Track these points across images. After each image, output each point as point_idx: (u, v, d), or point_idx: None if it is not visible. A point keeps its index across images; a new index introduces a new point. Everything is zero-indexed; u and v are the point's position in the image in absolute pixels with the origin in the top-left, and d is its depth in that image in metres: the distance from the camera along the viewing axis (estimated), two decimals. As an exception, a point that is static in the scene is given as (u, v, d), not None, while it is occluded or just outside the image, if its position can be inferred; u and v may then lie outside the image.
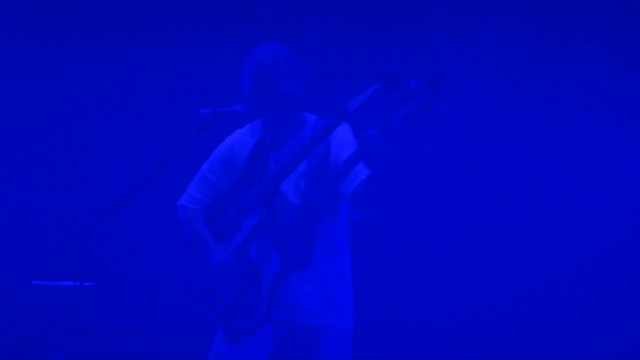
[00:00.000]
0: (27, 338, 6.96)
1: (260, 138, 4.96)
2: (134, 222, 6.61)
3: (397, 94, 4.58)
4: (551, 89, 6.99)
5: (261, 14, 7.17)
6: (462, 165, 7.02)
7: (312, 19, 7.13)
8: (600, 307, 6.89)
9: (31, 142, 7.25)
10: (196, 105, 4.81)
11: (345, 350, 4.93)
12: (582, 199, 6.94)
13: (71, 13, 7.22)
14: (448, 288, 7.03)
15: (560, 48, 6.97)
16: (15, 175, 7.24)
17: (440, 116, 6.66)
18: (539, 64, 7.00)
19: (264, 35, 5.13)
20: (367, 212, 4.75)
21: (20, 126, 7.26)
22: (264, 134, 4.97)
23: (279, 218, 4.79)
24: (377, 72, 4.63)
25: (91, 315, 6.96)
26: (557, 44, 6.97)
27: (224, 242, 4.92)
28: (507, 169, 7.00)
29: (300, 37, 6.74)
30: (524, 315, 6.95)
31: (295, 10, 7.15)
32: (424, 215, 7.04)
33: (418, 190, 7.02)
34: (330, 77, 6.85)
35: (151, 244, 6.80)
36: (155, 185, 4.64)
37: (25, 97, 7.25)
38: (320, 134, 4.73)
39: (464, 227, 7.02)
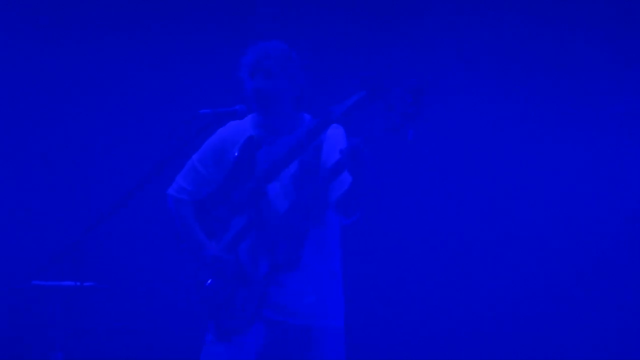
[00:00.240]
0: (27, 338, 6.96)
1: (249, 137, 4.95)
2: (134, 222, 6.61)
3: (383, 101, 4.58)
4: (551, 89, 6.99)
5: (261, 14, 7.17)
6: (462, 165, 7.02)
7: (312, 19, 7.13)
8: (600, 307, 6.89)
9: (31, 142, 7.25)
10: (196, 105, 4.81)
11: (339, 349, 4.94)
12: (582, 199, 6.94)
13: (71, 13, 7.22)
14: (447, 288, 7.03)
15: (560, 48, 6.97)
16: (15, 175, 7.24)
17: (439, 116, 6.69)
18: (539, 64, 7.00)
19: (264, 35, 5.12)
20: (350, 218, 4.76)
21: (20, 126, 7.26)
22: (255, 131, 4.96)
23: (268, 219, 4.79)
24: (362, 78, 4.63)
25: (91, 315, 6.96)
26: (557, 43, 6.97)
27: (213, 239, 4.93)
28: (506, 169, 7.00)
29: (300, 37, 6.73)
30: (523, 315, 6.95)
31: (295, 10, 7.15)
32: (423, 215, 7.04)
33: (417, 190, 7.02)
34: (330, 77, 6.86)
35: (151, 244, 6.80)
36: (155, 185, 4.64)
37: (25, 97, 7.25)
38: (306, 138, 4.74)
39: (463, 227, 7.02)
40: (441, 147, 6.99)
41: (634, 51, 6.88)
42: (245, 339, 4.84)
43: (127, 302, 7.08)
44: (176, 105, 6.93)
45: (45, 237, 7.02)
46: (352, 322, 5.06)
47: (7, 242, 7.14)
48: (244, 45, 4.96)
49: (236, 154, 4.95)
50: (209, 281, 4.87)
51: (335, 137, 4.83)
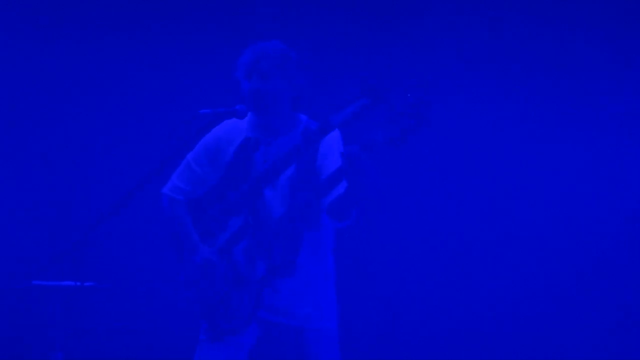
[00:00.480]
0: (27, 338, 6.96)
1: (246, 138, 4.95)
2: (134, 222, 6.60)
3: (383, 110, 4.58)
4: (551, 89, 6.99)
5: (261, 14, 7.16)
6: (461, 165, 7.02)
7: (312, 19, 7.13)
8: (600, 307, 6.89)
9: (31, 142, 7.25)
10: (196, 105, 4.81)
11: (334, 350, 4.95)
12: (582, 199, 6.94)
13: (71, 13, 7.22)
14: (446, 289, 7.03)
15: (560, 48, 6.97)
16: (15, 175, 7.24)
17: (439, 116, 6.67)
18: (539, 64, 7.00)
19: (264, 35, 5.12)
20: (343, 223, 4.76)
21: (20, 126, 7.26)
22: (252, 132, 4.95)
23: (263, 222, 4.79)
24: (363, 85, 4.63)
25: (91, 315, 6.96)
26: (557, 43, 6.97)
27: (208, 238, 4.92)
28: (506, 169, 7.00)
29: (300, 37, 6.73)
30: (523, 315, 6.95)
31: (295, 10, 7.15)
32: (422, 215, 7.04)
33: (416, 191, 7.02)
34: (329, 77, 6.86)
35: (151, 244, 6.80)
36: (155, 185, 4.64)
37: (25, 97, 7.25)
38: (304, 144, 4.74)
39: (462, 227, 7.02)
40: (440, 147, 6.99)
41: (634, 51, 6.88)
42: (239, 339, 4.84)
43: (127, 302, 7.08)
44: (176, 105, 6.93)
45: (45, 237, 7.02)
46: (349, 323, 5.06)
47: (7, 242, 7.14)
48: (243, 45, 4.96)
49: (232, 154, 4.95)
50: (201, 283, 4.88)
51: (332, 142, 4.83)
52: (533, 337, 6.95)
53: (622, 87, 6.91)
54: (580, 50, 6.92)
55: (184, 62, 7.20)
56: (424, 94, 4.48)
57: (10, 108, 7.26)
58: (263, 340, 4.86)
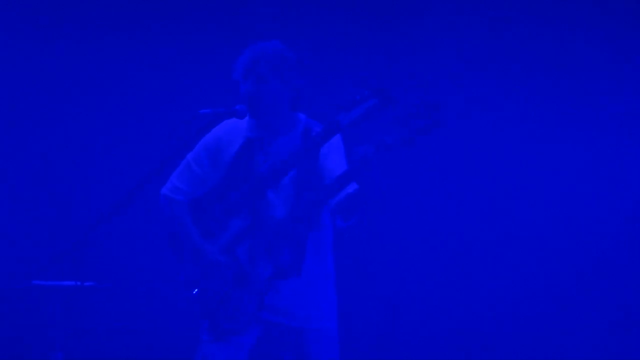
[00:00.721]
0: (27, 338, 6.96)
1: (246, 139, 4.95)
2: (134, 222, 6.60)
3: (391, 112, 4.58)
4: (551, 89, 6.99)
5: (261, 14, 7.16)
6: (461, 165, 7.02)
7: (312, 19, 7.13)
8: (600, 307, 6.88)
9: (31, 142, 7.25)
10: (196, 105, 4.81)
11: (332, 350, 4.95)
12: (582, 199, 6.94)
13: (71, 13, 7.22)
14: (447, 288, 7.03)
15: (560, 48, 6.97)
16: (15, 175, 7.23)
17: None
18: (539, 64, 7.00)
19: (264, 35, 5.12)
20: (349, 222, 4.76)
21: (20, 126, 7.26)
22: (252, 132, 4.95)
23: (267, 224, 4.79)
24: (371, 87, 4.63)
25: (91, 315, 6.96)
26: (557, 43, 6.97)
27: (209, 238, 4.92)
28: (506, 169, 6.99)
29: (300, 36, 6.73)
30: (523, 315, 6.95)
31: (295, 10, 7.15)
32: (423, 215, 7.04)
33: (416, 191, 7.02)
34: (329, 77, 6.86)
35: (151, 244, 6.79)
36: (155, 186, 4.64)
37: (25, 97, 7.25)
38: (312, 146, 4.73)
39: (462, 227, 7.02)
40: (440, 147, 6.98)
41: (634, 51, 6.88)
42: (240, 339, 4.85)
43: (127, 302, 7.08)
44: (176, 105, 6.93)
45: (45, 237, 7.02)
46: (349, 323, 5.06)
47: (7, 242, 7.14)
48: (243, 45, 4.96)
49: (233, 155, 4.95)
50: (203, 283, 4.87)
51: (333, 141, 4.83)
52: (533, 337, 6.95)
53: (622, 87, 6.91)
54: (580, 50, 6.92)
55: (184, 62, 7.20)
56: (438, 98, 4.51)
57: (10, 108, 7.26)
58: (263, 340, 4.87)
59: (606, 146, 6.93)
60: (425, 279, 7.03)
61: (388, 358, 7.02)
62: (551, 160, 6.99)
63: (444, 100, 4.52)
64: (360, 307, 6.88)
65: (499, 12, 6.99)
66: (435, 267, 7.03)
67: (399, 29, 7.10)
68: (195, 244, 4.92)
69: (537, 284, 6.95)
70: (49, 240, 6.97)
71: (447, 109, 4.53)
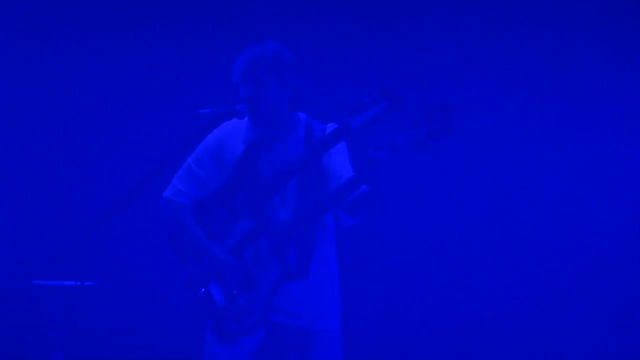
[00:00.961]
0: (27, 338, 6.96)
1: (249, 142, 4.94)
2: (134, 222, 6.60)
3: (403, 115, 4.58)
4: (551, 89, 6.99)
5: (261, 14, 7.16)
6: (462, 165, 7.02)
7: (312, 19, 7.13)
8: (600, 307, 6.88)
9: (31, 142, 7.25)
10: (196, 105, 4.81)
11: (335, 351, 4.95)
12: (582, 199, 6.94)
13: (71, 13, 7.22)
14: (448, 288, 7.03)
15: (560, 48, 6.97)
16: (15, 175, 7.24)
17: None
18: (539, 64, 7.00)
19: (264, 35, 5.12)
20: (354, 221, 4.77)
21: (20, 126, 7.26)
22: (253, 134, 4.95)
23: (273, 226, 4.79)
24: (382, 90, 4.62)
25: (91, 315, 6.96)
26: (557, 43, 6.97)
27: (213, 240, 4.91)
28: (506, 168, 7.00)
29: (300, 36, 6.74)
30: (523, 315, 6.95)
31: (295, 10, 7.15)
32: (423, 215, 7.04)
33: (417, 191, 7.02)
34: (329, 77, 6.86)
35: (151, 244, 6.79)
36: (155, 186, 4.64)
37: (25, 97, 7.25)
38: (320, 149, 4.73)
39: (463, 227, 7.02)
40: (440, 147, 6.97)
41: (634, 51, 6.88)
42: (246, 339, 4.84)
43: (127, 302, 7.08)
44: (176, 105, 6.93)
45: (45, 237, 7.02)
46: (349, 323, 5.06)
47: (7, 242, 7.14)
48: (243, 45, 4.95)
49: (236, 157, 4.94)
50: (210, 284, 4.86)
51: (337, 145, 4.83)
52: (533, 337, 6.95)
53: (622, 87, 6.91)
54: (580, 50, 6.92)
55: (184, 62, 7.20)
56: (450, 100, 4.51)
57: (10, 108, 7.26)
58: (268, 340, 4.86)
59: (606, 146, 6.93)
60: (425, 279, 7.03)
61: (388, 358, 7.02)
62: (551, 160, 6.99)
63: (455, 103, 4.52)
64: (360, 307, 6.87)
65: (499, 12, 6.99)
66: (435, 267, 7.04)
67: (399, 29, 7.11)
68: (202, 246, 4.91)
69: (537, 284, 6.95)
70: (49, 240, 6.97)
71: (459, 111, 4.53)
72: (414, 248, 7.04)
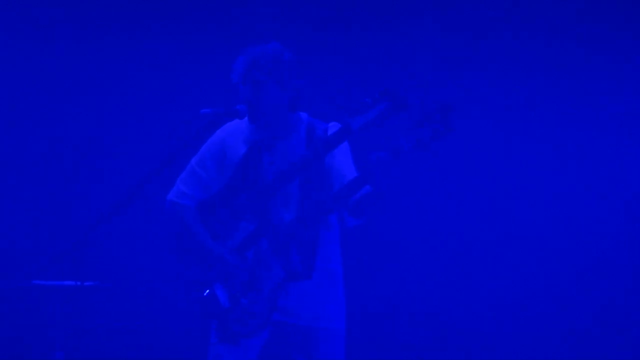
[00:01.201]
0: (27, 338, 6.96)
1: (252, 143, 4.94)
2: (134, 222, 6.60)
3: (404, 116, 4.58)
4: (551, 89, 6.99)
5: (261, 14, 7.16)
6: (462, 164, 7.02)
7: (312, 18, 7.13)
8: (600, 307, 6.88)
9: (31, 142, 7.25)
10: (197, 105, 4.81)
11: (339, 351, 4.95)
12: (582, 199, 6.94)
13: (71, 13, 7.22)
14: (447, 288, 7.03)
15: (560, 48, 6.97)
16: (16, 175, 7.23)
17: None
18: (539, 64, 6.99)
19: (264, 35, 5.12)
20: (359, 221, 4.77)
21: (20, 126, 7.25)
22: (254, 135, 4.95)
23: (276, 227, 4.79)
24: (382, 90, 4.62)
25: (91, 315, 6.96)
26: (557, 43, 6.97)
27: (216, 241, 4.91)
28: (506, 168, 6.99)
29: (300, 36, 6.74)
30: (523, 315, 6.95)
31: (295, 10, 7.15)
32: (423, 215, 7.04)
33: (418, 191, 7.02)
34: (329, 77, 6.86)
35: (151, 244, 6.80)
36: (155, 186, 4.64)
37: (25, 97, 7.25)
38: (322, 150, 4.73)
39: (463, 227, 7.02)
40: (440, 147, 6.97)
41: (634, 51, 6.88)
42: (250, 340, 4.84)
43: (127, 302, 7.08)
44: (176, 105, 6.93)
45: (45, 237, 7.02)
46: (349, 323, 5.06)
47: (7, 242, 7.14)
48: (243, 45, 4.95)
49: (238, 158, 4.95)
50: (215, 285, 4.86)
51: (340, 145, 4.83)
52: (533, 337, 6.95)
53: (622, 87, 6.91)
54: (580, 50, 6.92)
55: (184, 62, 7.20)
56: (452, 100, 4.51)
57: (10, 108, 7.26)
58: (272, 340, 4.86)
59: (606, 146, 6.93)
60: (425, 279, 7.03)
61: (388, 358, 7.02)
62: (551, 160, 6.99)
63: (455, 103, 4.52)
64: (360, 307, 6.87)
65: (499, 12, 6.99)
66: (435, 267, 7.03)
67: (399, 29, 7.10)
68: (207, 247, 4.90)
69: (537, 284, 6.95)
70: (49, 240, 6.97)
71: (459, 112, 4.53)
72: (414, 248, 7.04)
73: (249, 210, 4.86)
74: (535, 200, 6.98)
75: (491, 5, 6.99)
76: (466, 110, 6.94)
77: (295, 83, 4.90)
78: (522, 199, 6.99)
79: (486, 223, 6.99)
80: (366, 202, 4.67)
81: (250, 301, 4.78)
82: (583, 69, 6.92)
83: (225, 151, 4.99)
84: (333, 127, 4.89)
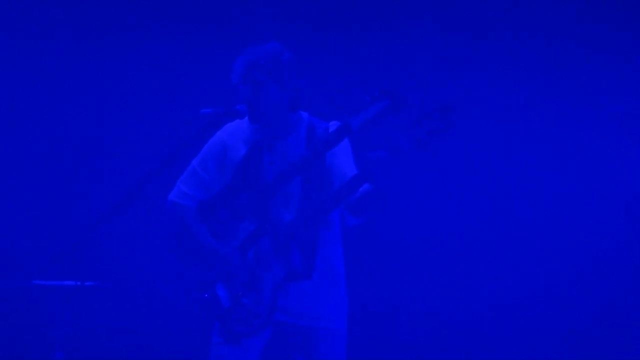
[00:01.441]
0: (27, 338, 6.96)
1: (253, 143, 4.94)
2: (134, 222, 6.60)
3: (403, 115, 4.58)
4: (551, 89, 6.99)
5: (261, 14, 7.16)
6: (462, 164, 7.02)
7: (312, 18, 7.13)
8: (600, 307, 6.88)
9: (31, 142, 7.25)
10: (197, 105, 4.81)
11: (340, 351, 4.96)
12: (582, 199, 6.94)
13: (71, 13, 7.22)
14: (448, 288, 7.03)
15: (560, 48, 6.97)
16: (16, 175, 7.23)
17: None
18: (539, 64, 7.00)
19: (264, 35, 5.12)
20: (360, 220, 4.77)
21: (20, 126, 7.26)
22: (255, 135, 4.95)
23: (276, 227, 4.79)
24: (382, 89, 4.62)
25: (91, 315, 6.96)
26: (557, 43, 6.97)
27: (217, 241, 4.91)
28: (506, 168, 6.99)
29: (300, 36, 6.74)
30: (523, 315, 6.95)
31: (295, 10, 7.15)
32: (423, 215, 7.04)
33: (418, 191, 7.02)
34: (329, 77, 6.86)
35: (151, 244, 6.80)
36: (156, 186, 4.64)
37: (26, 97, 7.25)
38: (321, 149, 4.73)
39: (464, 227, 7.02)
40: (441, 147, 6.97)
41: (634, 51, 6.88)
42: (252, 340, 4.84)
43: (127, 302, 7.08)
44: (177, 105, 6.93)
45: (45, 237, 7.02)
46: (352, 323, 5.06)
47: (7, 242, 7.14)
48: (243, 45, 4.95)
49: (239, 158, 4.95)
50: (216, 285, 4.86)
51: (341, 144, 4.82)
52: (533, 337, 6.95)
53: (622, 87, 6.91)
54: (580, 50, 6.92)
55: (184, 62, 7.20)
56: (450, 99, 4.51)
57: (10, 108, 7.26)
58: (273, 340, 4.87)
59: (606, 146, 6.93)
60: (425, 279, 7.03)
61: (388, 358, 7.02)
62: (551, 160, 6.99)
63: (455, 102, 4.51)
64: (360, 307, 6.87)
65: (499, 12, 6.99)
66: (435, 267, 7.03)
67: (399, 28, 7.11)
68: (209, 247, 4.90)
69: (537, 283, 6.95)
70: (49, 240, 6.97)
71: (459, 110, 4.52)
72: (414, 248, 7.04)
73: (250, 210, 4.86)
74: (535, 200, 6.98)
75: (491, 5, 6.99)
76: (466, 110, 6.94)
77: (295, 83, 4.90)
78: (522, 199, 6.99)
79: (486, 223, 6.99)
80: (366, 201, 4.66)
81: (251, 301, 4.78)
82: (583, 69, 6.93)
83: (225, 151, 4.99)
84: (334, 126, 4.89)
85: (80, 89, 7.24)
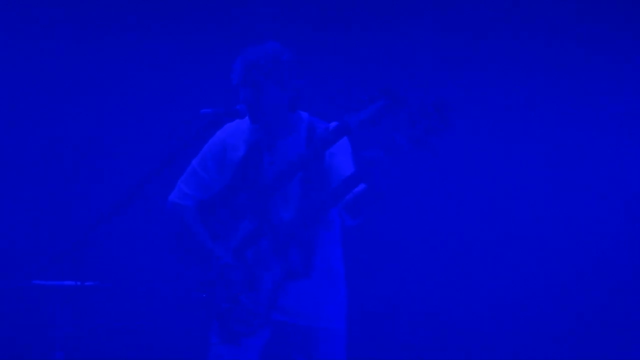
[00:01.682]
0: (27, 338, 6.96)
1: (253, 142, 4.95)
2: (134, 222, 6.60)
3: (401, 114, 4.57)
4: (551, 89, 6.99)
5: (261, 14, 7.16)
6: (462, 164, 7.02)
7: (312, 18, 7.13)
8: (600, 307, 6.88)
9: (32, 142, 7.25)
10: (197, 105, 4.81)
11: (339, 351, 4.96)
12: (582, 199, 6.94)
13: (71, 13, 7.22)
14: (448, 288, 7.03)
15: (560, 48, 6.97)
16: (16, 175, 7.24)
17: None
18: (539, 64, 7.00)
19: (264, 34, 5.12)
20: (358, 220, 4.77)
21: (20, 126, 7.26)
22: (255, 135, 4.95)
23: (275, 226, 4.79)
24: (380, 88, 4.62)
25: (91, 315, 6.96)
26: (557, 43, 6.97)
27: (216, 241, 4.92)
28: (506, 168, 7.00)
29: (300, 35, 6.74)
30: (523, 316, 6.95)
31: (295, 10, 7.15)
32: (423, 215, 7.04)
33: (417, 191, 7.02)
34: (329, 77, 6.86)
35: (152, 244, 6.80)
36: (156, 186, 4.64)
37: (26, 97, 7.25)
38: (320, 148, 4.73)
39: (463, 227, 7.02)
40: (441, 147, 6.97)
41: (634, 51, 6.88)
42: (251, 340, 4.84)
43: (128, 302, 7.08)
44: (177, 105, 6.93)
45: (45, 237, 7.02)
46: (352, 323, 5.06)
47: (8, 242, 7.14)
48: (243, 45, 4.95)
49: (239, 158, 4.95)
50: (214, 286, 4.86)
51: (340, 141, 4.82)
52: (533, 337, 6.95)
53: (622, 87, 6.91)
54: (580, 50, 6.92)
55: (184, 62, 7.20)
56: (447, 97, 4.50)
57: (10, 108, 7.26)
58: (272, 339, 4.87)
59: (606, 146, 6.93)
60: (425, 279, 7.03)
61: (388, 358, 7.02)
62: (551, 160, 6.99)
63: (452, 100, 4.51)
64: (360, 307, 6.87)
65: (499, 12, 6.99)
66: (435, 267, 7.04)
67: (398, 28, 7.11)
68: (208, 247, 4.91)
69: (537, 283, 6.95)
70: (49, 240, 6.97)
71: (456, 109, 4.51)
72: (414, 248, 7.04)
73: (249, 210, 4.87)
74: (535, 200, 6.98)
75: (491, 5, 6.99)
76: (466, 110, 6.94)
77: (295, 83, 4.90)
78: (522, 199, 6.99)
79: (486, 223, 6.99)
80: (362, 201, 4.66)
81: (250, 300, 4.78)
82: (583, 69, 6.93)
83: (225, 151, 4.99)
84: (334, 126, 4.89)
85: (80, 89, 7.24)
